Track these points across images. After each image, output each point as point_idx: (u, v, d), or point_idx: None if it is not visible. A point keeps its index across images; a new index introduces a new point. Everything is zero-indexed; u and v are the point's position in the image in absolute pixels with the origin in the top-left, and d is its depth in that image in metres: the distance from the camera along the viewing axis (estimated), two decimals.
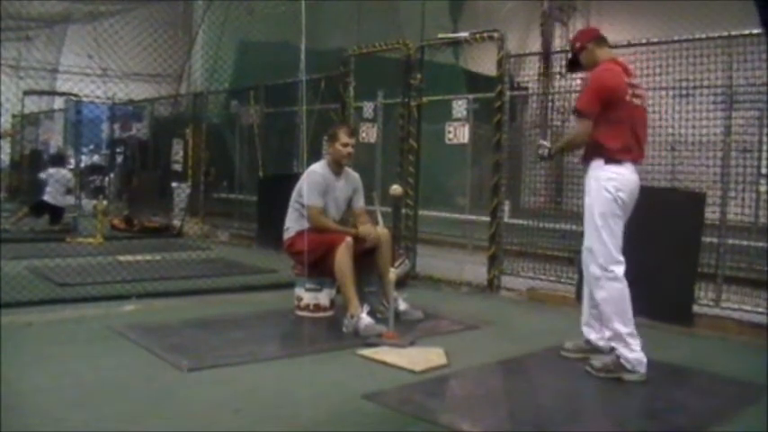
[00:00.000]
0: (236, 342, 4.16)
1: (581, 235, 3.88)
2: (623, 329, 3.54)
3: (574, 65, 4.03)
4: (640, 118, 3.74)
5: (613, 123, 3.62)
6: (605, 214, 3.60)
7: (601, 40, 3.90)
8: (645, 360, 3.55)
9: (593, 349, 3.91)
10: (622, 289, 3.59)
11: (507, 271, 6.15)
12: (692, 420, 3.15)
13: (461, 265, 6.58)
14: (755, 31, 4.72)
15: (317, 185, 4.79)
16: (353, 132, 5.20)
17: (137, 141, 12.92)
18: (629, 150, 3.64)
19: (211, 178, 10.43)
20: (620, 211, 3.61)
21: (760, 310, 4.74)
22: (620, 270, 3.60)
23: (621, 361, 3.55)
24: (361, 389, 3.31)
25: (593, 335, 3.92)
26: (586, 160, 3.77)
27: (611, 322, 3.58)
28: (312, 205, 4.79)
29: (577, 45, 3.92)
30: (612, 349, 3.87)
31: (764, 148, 5.51)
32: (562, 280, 5.82)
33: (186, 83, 12.62)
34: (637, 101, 3.70)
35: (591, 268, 3.66)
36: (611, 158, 3.61)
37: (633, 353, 3.54)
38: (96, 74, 9.83)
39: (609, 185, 3.59)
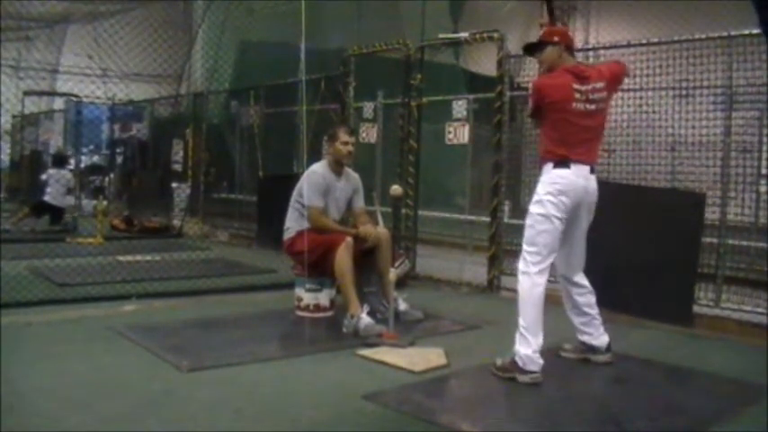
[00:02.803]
0: (236, 342, 4.16)
1: None
2: (521, 322, 3.57)
3: (532, 49, 3.96)
4: (592, 123, 3.72)
5: (558, 129, 3.68)
6: (545, 215, 3.63)
7: (570, 49, 3.88)
8: (540, 361, 3.52)
9: (591, 349, 3.91)
10: (531, 287, 3.61)
11: (507, 271, 6.14)
12: (692, 420, 3.15)
13: (461, 264, 6.57)
14: (755, 31, 4.71)
15: (317, 186, 4.79)
16: (353, 132, 5.21)
17: (137, 142, 12.92)
18: (575, 154, 3.66)
19: (211, 178, 10.43)
20: (560, 214, 3.63)
21: (760, 310, 4.74)
22: (535, 269, 3.63)
23: (516, 358, 3.54)
24: (361, 389, 3.31)
25: (586, 337, 3.93)
26: (540, 164, 3.82)
27: (518, 315, 3.61)
28: (313, 206, 4.79)
29: (555, 38, 3.82)
30: (608, 349, 3.89)
31: (764, 148, 5.50)
32: None
33: (186, 83, 12.63)
34: (591, 106, 3.67)
35: (520, 261, 3.73)
36: (558, 163, 3.67)
37: (527, 349, 3.51)
38: (96, 74, 9.83)
39: (552, 188, 3.64)
